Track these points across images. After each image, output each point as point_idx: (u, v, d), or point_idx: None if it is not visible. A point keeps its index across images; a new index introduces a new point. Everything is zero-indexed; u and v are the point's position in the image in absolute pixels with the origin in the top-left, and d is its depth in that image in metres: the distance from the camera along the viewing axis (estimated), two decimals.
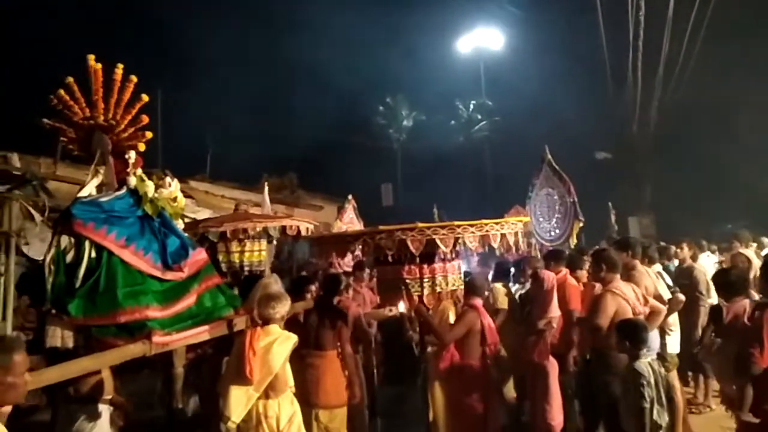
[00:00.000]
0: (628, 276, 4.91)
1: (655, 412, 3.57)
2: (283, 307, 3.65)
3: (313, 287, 5.10)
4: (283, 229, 6.02)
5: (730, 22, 18.08)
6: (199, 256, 3.64)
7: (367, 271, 7.81)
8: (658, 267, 5.92)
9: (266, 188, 7.63)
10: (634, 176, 19.75)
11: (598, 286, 4.72)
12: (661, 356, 4.93)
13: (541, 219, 8.22)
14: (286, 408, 3.65)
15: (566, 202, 7.60)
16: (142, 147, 3.64)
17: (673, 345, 5.43)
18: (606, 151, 19.97)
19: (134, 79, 3.57)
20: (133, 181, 3.51)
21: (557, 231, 7.76)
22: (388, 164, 29.89)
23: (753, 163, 16.77)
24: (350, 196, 9.88)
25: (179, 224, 3.82)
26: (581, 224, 7.48)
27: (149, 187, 3.54)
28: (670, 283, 5.89)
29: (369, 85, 29.16)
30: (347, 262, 7.86)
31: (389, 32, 28.87)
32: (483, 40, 30.29)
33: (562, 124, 19.27)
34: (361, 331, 5.14)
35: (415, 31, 28.72)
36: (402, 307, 4.93)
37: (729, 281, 4.26)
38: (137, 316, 3.07)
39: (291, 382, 3.74)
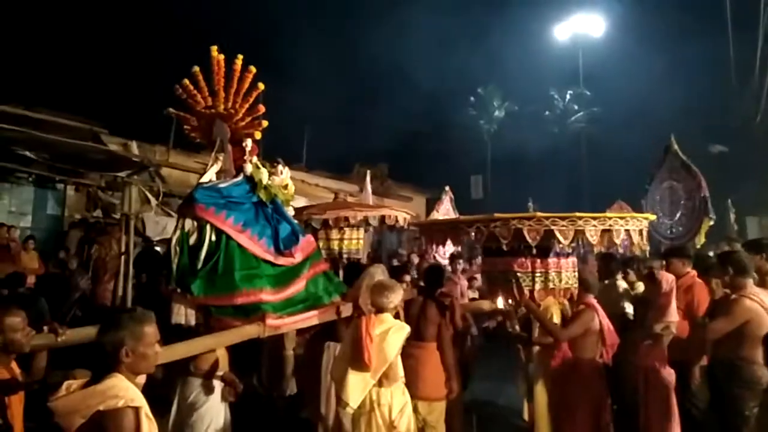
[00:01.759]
0: (763, 282, 4.43)
1: None
2: (396, 297, 3.68)
3: (408, 277, 5.06)
4: (382, 218, 6.06)
5: None
6: (308, 242, 3.71)
7: (462, 262, 7.69)
8: None
9: (368, 177, 7.71)
10: (755, 172, 17.90)
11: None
12: None
13: (660, 214, 7.62)
14: (398, 397, 3.69)
15: (695, 198, 6.97)
16: (258, 135, 3.75)
17: None
18: (723, 145, 18.25)
19: (253, 69, 3.68)
20: (249, 168, 3.62)
21: (680, 228, 7.14)
22: (478, 156, 29.38)
23: None
24: (447, 187, 9.73)
25: (290, 211, 3.90)
26: (711, 222, 6.84)
27: (264, 174, 3.64)
28: None
29: (460, 75, 28.79)
30: (442, 254, 7.78)
31: (482, 20, 28.27)
32: (582, 26, 28.80)
33: (670, 116, 17.85)
34: (463, 322, 5.04)
35: (510, 19, 27.88)
36: (501, 302, 4.78)
37: None
38: (252, 299, 3.16)
39: (402, 372, 3.76)
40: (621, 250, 6.56)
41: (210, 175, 3.60)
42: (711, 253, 6.40)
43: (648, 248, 6.75)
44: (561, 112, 29.98)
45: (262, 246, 3.42)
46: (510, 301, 4.44)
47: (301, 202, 11.27)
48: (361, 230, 6.27)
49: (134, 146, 11.37)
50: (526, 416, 4.93)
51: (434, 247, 7.41)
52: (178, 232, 3.30)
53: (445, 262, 7.58)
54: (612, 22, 27.95)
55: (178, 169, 10.82)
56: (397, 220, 6.12)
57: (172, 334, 3.11)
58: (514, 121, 30.31)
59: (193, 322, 3.14)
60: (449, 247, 7.24)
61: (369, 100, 28.80)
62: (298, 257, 3.54)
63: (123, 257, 4.17)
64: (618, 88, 23.85)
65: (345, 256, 6.16)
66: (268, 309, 3.15)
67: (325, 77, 27.38)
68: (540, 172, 25.39)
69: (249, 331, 3.01)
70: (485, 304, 5.63)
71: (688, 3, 20.65)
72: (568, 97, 29.95)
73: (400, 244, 14.02)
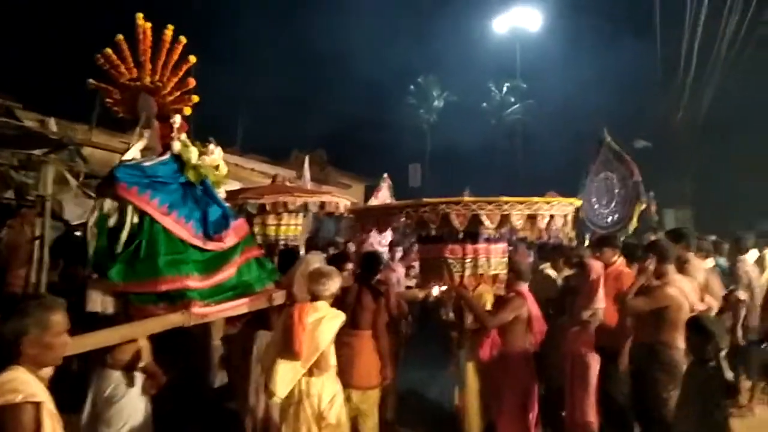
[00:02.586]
0: (682, 269, 4.68)
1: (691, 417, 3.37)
2: (333, 284, 3.60)
3: (350, 265, 4.98)
4: (322, 204, 5.93)
5: None
6: (240, 226, 3.54)
7: (401, 249, 7.69)
8: (711, 262, 5.64)
9: (306, 163, 7.51)
10: (674, 168, 19.03)
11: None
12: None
13: (596, 205, 7.87)
14: (329, 387, 3.62)
15: (628, 184, 7.24)
16: (188, 111, 3.53)
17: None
18: (646, 140, 19.26)
19: (183, 40, 3.44)
20: (177, 146, 3.40)
21: (617, 216, 7.41)
22: (417, 145, 29.59)
23: None
24: (385, 175, 9.70)
25: (221, 193, 3.71)
26: (643, 206, 7.13)
27: (193, 153, 3.43)
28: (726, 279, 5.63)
29: (400, 64, 28.79)
30: (380, 241, 7.74)
31: (423, 10, 28.38)
32: (520, 20, 29.48)
33: (600, 111, 18.66)
34: (398, 310, 5.03)
35: (450, 10, 28.19)
36: (436, 290, 4.79)
37: None
38: (178, 285, 2.98)
39: (334, 361, 3.70)
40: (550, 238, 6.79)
41: (134, 153, 3.35)
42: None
43: (573, 235, 7.02)
44: (498, 103, 30.68)
45: (190, 229, 3.23)
46: (444, 287, 4.47)
47: (235, 186, 10.91)
48: (300, 216, 6.10)
49: (52, 123, 10.53)
50: (457, 402, 4.98)
51: (372, 234, 7.39)
52: (96, 213, 3.05)
53: (383, 250, 7.54)
54: (549, 17, 28.79)
55: (101, 148, 10.11)
56: (337, 207, 6.01)
57: (87, 323, 2.89)
58: (453, 111, 30.73)
59: (110, 310, 2.92)
60: (388, 235, 7.22)
61: (308, 86, 28.33)
62: (229, 242, 3.37)
63: (37, 242, 3.83)
64: (552, 81, 24.67)
65: (282, 242, 5.98)
66: (194, 296, 2.98)
67: (263, 61, 26.66)
68: (477, 162, 25.93)
69: (172, 319, 2.84)
70: (421, 292, 5.66)
71: (619, 2, 21.58)
72: (505, 89, 30.68)
73: (338, 231, 13.89)
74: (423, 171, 26.31)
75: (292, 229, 5.85)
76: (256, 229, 5.77)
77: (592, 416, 4.65)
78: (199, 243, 3.24)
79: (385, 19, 27.17)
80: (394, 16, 27.75)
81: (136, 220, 3.07)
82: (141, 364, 3.30)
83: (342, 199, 5.94)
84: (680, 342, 4.17)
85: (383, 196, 9.27)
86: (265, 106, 24.70)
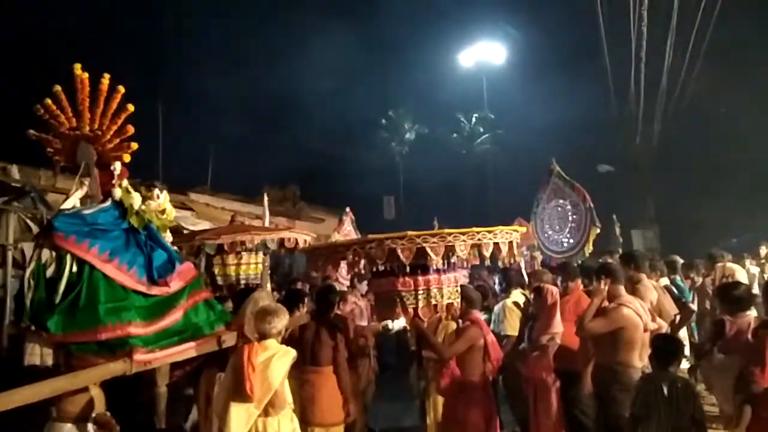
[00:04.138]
0: (633, 290, 4.79)
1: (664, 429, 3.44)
2: (280, 322, 3.55)
3: (306, 300, 4.99)
4: (282, 241, 5.94)
5: (731, 34, 18.07)
6: (187, 269, 3.53)
7: (365, 283, 7.68)
8: (665, 281, 5.78)
9: (266, 199, 7.53)
10: (636, 190, 19.62)
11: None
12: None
13: (550, 232, 8.06)
14: (285, 426, 3.55)
15: (581, 210, 7.47)
16: (127, 158, 3.55)
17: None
18: (609, 165, 19.86)
19: (121, 89, 3.49)
20: (118, 192, 3.41)
21: (571, 241, 7.61)
22: (390, 177, 29.87)
23: (757, 176, 16.65)
24: (348, 209, 9.79)
25: (167, 237, 3.70)
26: (598, 230, 7.34)
27: (135, 198, 3.44)
28: (680, 296, 5.76)
29: (372, 98, 29.27)
30: (345, 276, 7.74)
31: (392, 46, 29.08)
32: (485, 53, 30.41)
33: (564, 138, 19.20)
34: (359, 344, 5.02)
35: (418, 45, 28.91)
36: (400, 322, 4.80)
37: (735, 296, 4.14)
38: (119, 333, 2.95)
39: (290, 398, 3.65)
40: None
41: (73, 201, 3.35)
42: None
43: (520, 261, 7.17)
44: (468, 134, 31.30)
45: (133, 276, 3.21)
46: (402, 320, 4.49)
47: (205, 226, 10.85)
48: (260, 254, 6.09)
49: (15, 170, 10.42)
50: None
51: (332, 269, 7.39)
52: (32, 264, 3.02)
53: (347, 283, 7.54)
54: (512, 51, 29.74)
55: (66, 194, 10.03)
56: (297, 243, 6.02)
57: (25, 376, 2.83)
58: (425, 143, 31.23)
59: (50, 362, 2.86)
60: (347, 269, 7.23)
61: (280, 122, 28.61)
62: (175, 286, 3.35)
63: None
64: (519, 111, 25.31)
65: (243, 281, 5.95)
66: (137, 343, 2.94)
67: (234, 100, 26.86)
68: (449, 192, 26.21)
69: (112, 368, 2.79)
70: (381, 325, 5.67)
71: (577, 35, 22.42)
72: (473, 120, 31.36)
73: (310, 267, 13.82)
74: (397, 203, 26.52)
75: (252, 267, 5.83)
76: (217, 270, 5.75)
77: None
78: (142, 288, 3.22)
79: (356, 54, 27.73)
80: (365, 51, 28.35)
81: (75, 269, 3.05)
82: (93, 414, 3.23)
83: (302, 235, 5.95)
84: (637, 361, 4.26)
85: (346, 230, 9.31)
86: (237, 145, 24.79)
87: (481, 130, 31.05)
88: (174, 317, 3.25)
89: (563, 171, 8.20)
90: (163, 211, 3.68)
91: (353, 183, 23.48)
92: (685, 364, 5.28)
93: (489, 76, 30.19)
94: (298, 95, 27.58)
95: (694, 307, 5.47)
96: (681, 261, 7.43)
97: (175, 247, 3.83)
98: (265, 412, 3.44)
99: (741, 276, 6.63)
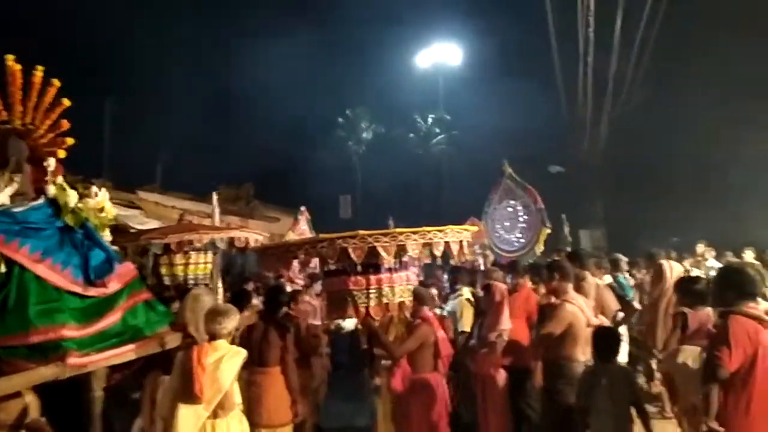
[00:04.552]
0: (578, 287, 4.93)
1: (605, 420, 3.56)
2: (230, 322, 3.53)
3: (255, 301, 4.91)
4: (232, 240, 5.82)
5: (675, 41, 18.92)
6: (126, 270, 3.40)
7: (319, 282, 7.63)
8: (608, 279, 5.99)
9: (215, 198, 7.36)
10: (586, 191, 20.29)
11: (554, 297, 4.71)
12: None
13: (501, 232, 8.23)
14: (234, 427, 3.53)
15: (532, 211, 7.66)
16: (62, 154, 3.39)
17: (623, 354, 5.48)
18: (560, 166, 20.47)
19: (57, 83, 3.33)
20: (52, 190, 3.25)
21: (522, 241, 7.79)
22: (347, 176, 29.75)
23: (698, 179, 17.49)
24: (303, 208, 9.71)
25: (106, 237, 3.56)
26: (548, 231, 7.53)
27: (70, 196, 3.28)
28: (623, 293, 5.98)
29: (329, 97, 29.14)
30: (299, 275, 7.68)
31: (349, 45, 28.99)
32: (442, 55, 30.74)
33: (518, 139, 19.64)
34: (311, 343, 4.98)
35: (376, 45, 28.86)
36: (352, 321, 4.79)
37: (696, 290, 4.31)
38: (51, 336, 2.81)
39: (239, 399, 3.62)
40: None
41: (2, 199, 3.17)
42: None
43: (479, 259, 7.33)
44: (424, 134, 31.53)
45: (67, 276, 3.07)
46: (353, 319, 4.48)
47: (155, 225, 10.52)
48: (209, 254, 5.95)
49: None
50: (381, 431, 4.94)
51: (287, 270, 7.33)
52: None
53: (301, 283, 7.47)
54: (468, 52, 30.15)
55: None
56: (247, 242, 5.91)
57: None
58: (381, 142, 31.27)
59: None
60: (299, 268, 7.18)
61: (234, 120, 28.05)
62: (113, 287, 3.22)
63: None
64: (473, 113, 25.67)
65: (192, 281, 5.79)
66: (70, 346, 2.81)
67: (187, 97, 26.13)
68: (406, 192, 26.36)
69: (43, 373, 2.66)
70: (333, 324, 5.64)
71: (529, 40, 22.98)
72: (430, 120, 31.63)
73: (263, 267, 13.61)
74: (354, 202, 26.45)
75: (201, 267, 5.67)
76: (164, 270, 5.58)
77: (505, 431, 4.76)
78: (78, 289, 3.08)
79: (313, 53, 27.51)
80: (322, 50, 28.15)
81: (3, 269, 2.89)
82: (27, 421, 3.08)
83: (253, 234, 5.85)
84: (580, 355, 4.39)
85: (301, 229, 9.23)
86: (189, 143, 24.14)
87: (437, 130, 31.33)
88: (112, 319, 3.13)
89: (516, 172, 8.38)
90: (101, 210, 3.52)
91: (309, 182, 23.31)
92: (624, 357, 5.48)
93: (445, 77, 30.53)
94: (254, 93, 27.14)
95: (638, 305, 5.68)
96: (625, 259, 7.72)
97: (116, 247, 3.69)
98: (214, 414, 3.42)
99: (676, 273, 6.92)
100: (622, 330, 5.49)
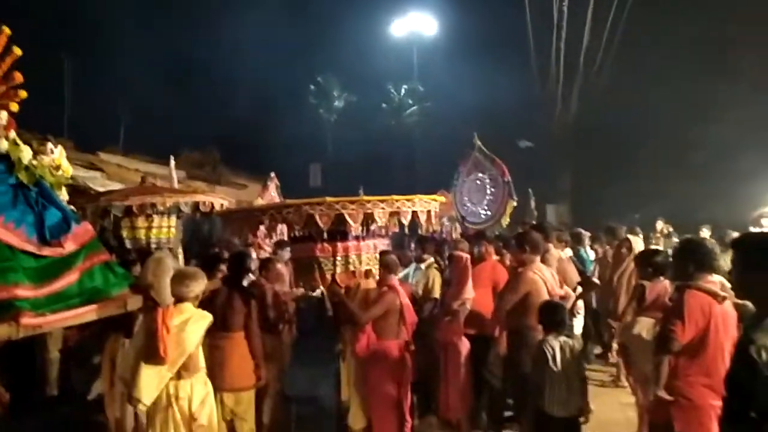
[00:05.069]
0: (542, 259, 5.02)
1: (561, 388, 3.67)
2: (197, 286, 3.61)
3: (224, 266, 4.86)
4: (197, 205, 5.73)
5: (647, 16, 19.12)
6: (84, 230, 3.28)
7: (288, 249, 7.58)
8: (569, 252, 6.13)
9: (172, 161, 7.19)
10: (553, 166, 20.62)
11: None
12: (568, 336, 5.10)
13: (469, 204, 8.29)
14: (198, 389, 3.59)
15: (499, 184, 7.73)
16: (14, 107, 3.21)
17: (578, 326, 5.67)
18: (529, 141, 20.70)
19: (7, 30, 3.12)
20: (4, 144, 3.08)
21: (488, 213, 7.86)
22: (318, 145, 29.45)
23: (663, 157, 17.94)
24: (272, 174, 9.58)
25: (63, 196, 3.42)
26: (514, 204, 7.62)
27: (24, 152, 3.12)
28: (583, 267, 6.14)
29: (300, 62, 28.55)
30: (268, 242, 7.61)
31: (323, 10, 28.34)
32: (417, 24, 30.35)
33: (489, 112, 19.72)
34: (278, 309, 4.97)
35: (350, 11, 28.32)
36: (318, 290, 4.79)
37: (654, 262, 4.43)
38: (4, 295, 2.69)
39: (203, 363, 3.67)
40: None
41: None
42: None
43: (439, 230, 7.40)
44: (396, 105, 31.35)
45: (21, 235, 2.93)
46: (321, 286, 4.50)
47: (117, 188, 10.24)
48: (173, 218, 5.84)
49: None
50: (345, 397, 5.00)
51: (257, 236, 7.25)
52: None
53: (269, 249, 7.41)
54: (444, 22, 29.88)
55: None
56: (212, 207, 5.82)
57: None
58: (353, 111, 30.96)
59: None
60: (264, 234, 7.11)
61: (202, 83, 27.25)
62: (69, 247, 3.10)
63: None
64: (447, 84, 25.59)
65: (154, 245, 5.69)
66: (24, 306, 2.70)
67: (152, 58, 25.18)
68: (378, 162, 26.28)
69: None
70: (300, 291, 5.65)
71: (504, 15, 22.88)
72: (403, 91, 31.41)
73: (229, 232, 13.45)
74: (324, 171, 26.25)
75: (164, 231, 5.59)
76: (125, 233, 5.48)
77: (466, 398, 4.88)
78: (32, 249, 2.95)
79: (284, 16, 26.77)
80: (294, 14, 27.43)
81: None
82: None
83: (218, 199, 5.76)
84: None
85: (270, 195, 9.12)
86: (154, 105, 23.36)
87: (410, 101, 31.19)
88: (68, 280, 3.01)
89: (486, 145, 8.41)
90: (57, 168, 3.37)
91: (279, 150, 22.97)
92: (578, 329, 5.67)
93: (420, 47, 30.28)
94: (222, 55, 26.38)
95: (597, 280, 5.85)
96: (588, 234, 7.91)
97: (74, 208, 3.56)
98: (178, 375, 3.48)
99: (638, 248, 7.15)
100: (579, 303, 5.66)
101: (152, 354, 3.26)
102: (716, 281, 3.39)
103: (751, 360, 1.90)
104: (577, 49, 21.25)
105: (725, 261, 4.37)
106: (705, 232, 8.66)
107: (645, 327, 4.25)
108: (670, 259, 4.17)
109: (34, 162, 3.21)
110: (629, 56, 19.61)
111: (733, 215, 11.26)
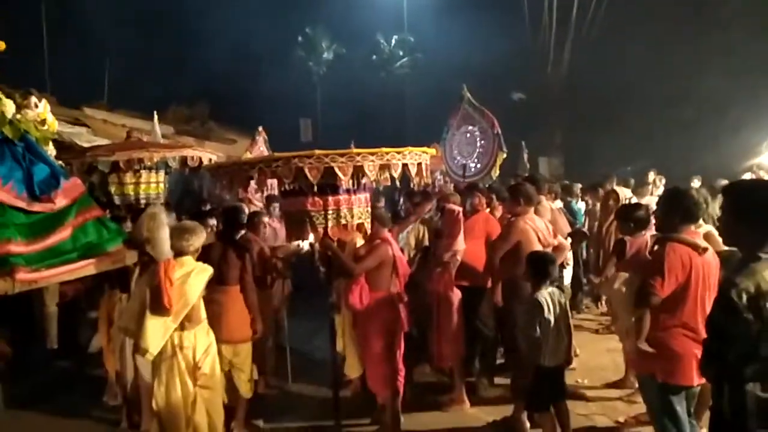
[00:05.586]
0: (535, 210, 5.06)
1: (551, 338, 3.77)
2: (197, 240, 3.71)
3: (212, 221, 4.87)
4: (184, 160, 5.67)
5: None
6: (74, 185, 3.26)
7: (278, 204, 7.56)
8: (559, 203, 6.18)
9: (155, 116, 7.05)
10: (546, 119, 20.46)
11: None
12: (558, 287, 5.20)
13: (458, 157, 8.24)
14: (202, 339, 3.75)
15: (489, 135, 7.65)
16: None
17: (567, 276, 5.77)
18: (521, 93, 20.45)
19: None
20: None
21: (478, 165, 7.84)
22: (307, 98, 28.93)
23: (656, 109, 17.87)
24: (260, 128, 9.44)
25: (50, 151, 3.38)
26: (504, 155, 7.59)
27: (8, 106, 3.06)
28: (574, 219, 6.19)
29: (287, 13, 27.66)
30: (258, 196, 7.58)
31: None
32: None
33: (481, 64, 19.38)
34: (267, 264, 5.00)
35: None
36: (306, 243, 4.80)
37: (635, 217, 4.46)
38: None
39: (204, 314, 3.79)
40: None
41: None
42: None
43: (429, 183, 7.37)
44: (387, 56, 30.66)
45: (9, 191, 2.91)
46: (310, 239, 4.51)
47: (104, 143, 10.07)
48: (161, 173, 5.79)
49: None
50: (340, 348, 5.11)
51: (248, 191, 7.21)
52: None
53: (260, 204, 7.39)
54: None
55: None
56: (201, 162, 5.76)
57: None
58: (343, 64, 30.29)
59: None
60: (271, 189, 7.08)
61: (187, 36, 26.39)
62: (60, 202, 3.10)
63: None
64: (438, 36, 25.00)
65: (143, 201, 5.66)
66: (18, 262, 2.72)
67: (136, 9, 24.29)
68: (368, 115, 25.91)
69: None
70: (293, 245, 5.66)
71: None
72: (393, 42, 30.66)
73: (219, 187, 13.34)
74: (315, 126, 25.90)
75: (153, 187, 5.55)
76: (113, 189, 5.43)
77: (458, 347, 4.98)
78: (22, 204, 2.94)
79: None
80: None
81: None
82: None
83: (206, 154, 5.69)
84: None
85: (258, 150, 9.02)
86: (139, 58, 22.73)
87: (401, 53, 30.51)
88: (61, 236, 3.03)
89: (477, 98, 8.30)
90: (43, 122, 3.32)
91: (268, 104, 22.59)
92: (567, 279, 5.78)
93: None
94: (210, 8, 25.50)
95: (586, 231, 5.93)
96: (579, 185, 7.96)
97: (61, 162, 3.52)
98: (182, 326, 3.62)
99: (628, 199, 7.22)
100: (568, 254, 5.74)
101: (157, 306, 3.41)
102: (698, 232, 3.39)
103: (732, 303, 1.94)
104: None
105: (714, 208, 4.44)
106: (695, 183, 8.74)
107: (624, 282, 4.33)
108: (652, 214, 4.19)
109: (18, 116, 3.15)
110: (620, 8, 19.18)
111: (725, 167, 11.35)
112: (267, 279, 5.17)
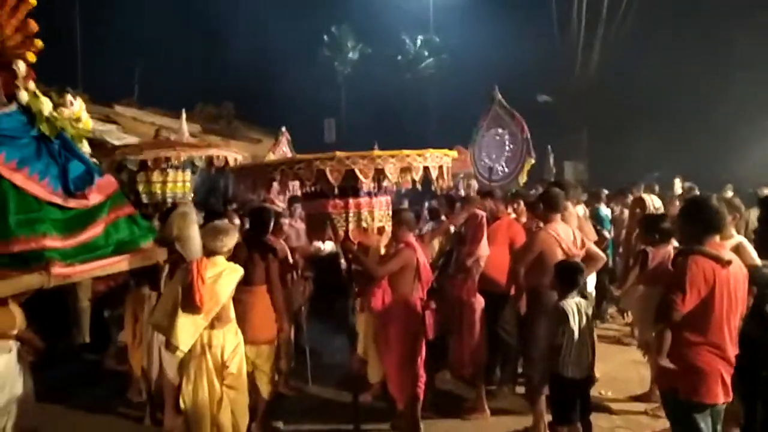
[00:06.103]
0: (561, 216, 5.00)
1: (574, 349, 3.72)
2: (230, 240, 3.79)
3: (237, 221, 4.91)
4: (211, 159, 5.73)
5: None
6: (107, 182, 3.33)
7: (300, 206, 7.62)
8: (581, 209, 6.08)
9: (183, 114, 7.12)
10: (572, 122, 20.19)
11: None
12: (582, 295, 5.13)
13: (487, 160, 8.17)
14: (230, 338, 3.82)
15: (518, 140, 7.58)
16: (32, 57, 3.19)
17: (591, 283, 5.69)
18: (547, 95, 20.20)
19: None
20: (24, 96, 3.08)
21: (506, 170, 7.76)
22: (332, 98, 29.02)
23: (685, 114, 17.51)
24: (284, 128, 9.50)
25: (84, 148, 3.45)
26: (533, 161, 7.52)
27: (45, 104, 3.13)
28: (601, 226, 6.10)
29: (314, 13, 27.81)
30: (281, 198, 7.65)
31: None
32: None
33: (507, 66, 19.21)
34: (284, 264, 5.05)
35: None
36: (329, 245, 4.80)
37: (659, 228, 4.36)
38: (33, 246, 2.77)
39: (233, 314, 3.87)
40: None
41: None
42: (532, 192, 7.15)
43: (452, 185, 7.31)
44: (412, 57, 30.58)
45: (46, 187, 2.98)
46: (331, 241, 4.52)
47: (133, 141, 10.28)
48: (188, 172, 5.86)
49: None
50: (360, 351, 5.12)
51: (271, 192, 7.27)
52: None
53: (282, 206, 7.47)
54: None
55: None
56: (226, 162, 5.82)
57: None
58: (368, 64, 30.30)
59: None
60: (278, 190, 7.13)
61: (216, 35, 26.76)
62: (94, 199, 3.16)
63: None
64: (464, 35, 24.86)
65: (170, 200, 5.74)
66: (54, 256, 2.78)
67: (167, 10, 24.68)
68: (392, 116, 25.89)
69: (28, 281, 2.65)
70: (313, 247, 5.71)
71: None
72: (419, 42, 30.55)
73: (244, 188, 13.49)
74: (339, 125, 25.99)
75: (179, 186, 5.60)
76: (141, 187, 5.50)
77: (480, 355, 4.94)
78: (58, 200, 3.01)
79: None
80: None
81: None
82: (14, 332, 3.14)
83: (232, 153, 5.75)
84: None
85: (281, 150, 9.09)
86: (169, 57, 23.11)
87: (426, 53, 30.39)
88: (94, 231, 3.08)
89: (504, 99, 8.25)
90: (78, 120, 3.39)
91: (293, 103, 22.73)
92: (591, 287, 5.69)
93: None
94: (237, 7, 25.77)
95: (607, 234, 5.83)
96: (606, 192, 7.84)
97: (95, 160, 3.59)
98: (211, 325, 3.69)
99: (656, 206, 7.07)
100: None
101: (189, 304, 3.48)
102: (723, 243, 3.24)
103: (765, 318, 1.89)
104: (599, 1, 20.43)
105: (750, 218, 4.30)
106: (728, 192, 8.52)
107: (646, 295, 4.24)
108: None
109: (55, 114, 3.22)
110: (651, 11, 18.84)
111: (754, 175, 11.06)
112: (286, 278, 5.21)
